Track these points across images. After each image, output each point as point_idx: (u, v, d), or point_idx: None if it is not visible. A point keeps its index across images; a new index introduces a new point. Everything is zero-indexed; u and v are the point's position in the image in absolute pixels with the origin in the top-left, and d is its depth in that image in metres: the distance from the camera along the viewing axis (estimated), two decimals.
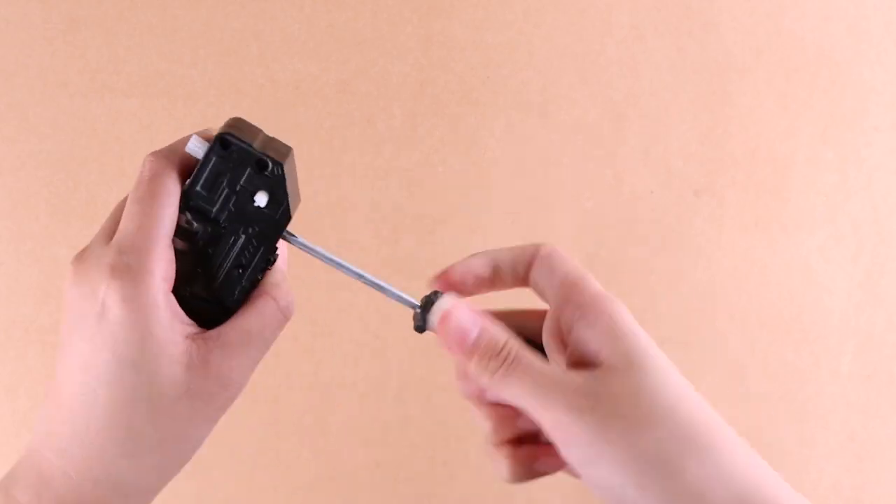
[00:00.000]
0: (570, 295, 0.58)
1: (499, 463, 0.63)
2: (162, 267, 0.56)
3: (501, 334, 0.58)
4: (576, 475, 0.59)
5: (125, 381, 0.55)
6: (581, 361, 0.57)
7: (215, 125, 1.02)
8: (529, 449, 0.63)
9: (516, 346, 0.57)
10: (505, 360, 0.56)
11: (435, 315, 0.60)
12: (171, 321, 0.56)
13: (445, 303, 0.60)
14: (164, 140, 1.10)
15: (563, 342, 0.60)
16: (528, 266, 0.62)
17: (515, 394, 0.56)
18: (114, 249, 0.56)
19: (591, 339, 0.56)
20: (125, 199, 0.60)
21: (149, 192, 0.57)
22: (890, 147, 1.26)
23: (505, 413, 0.62)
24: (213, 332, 0.58)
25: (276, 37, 1.15)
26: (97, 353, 0.55)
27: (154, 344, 0.55)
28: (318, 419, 1.22)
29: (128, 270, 0.55)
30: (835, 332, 1.30)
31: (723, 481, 0.53)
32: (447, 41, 1.17)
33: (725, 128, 1.23)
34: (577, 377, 0.55)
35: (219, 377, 0.57)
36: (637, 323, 0.57)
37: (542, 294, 0.62)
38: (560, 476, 0.63)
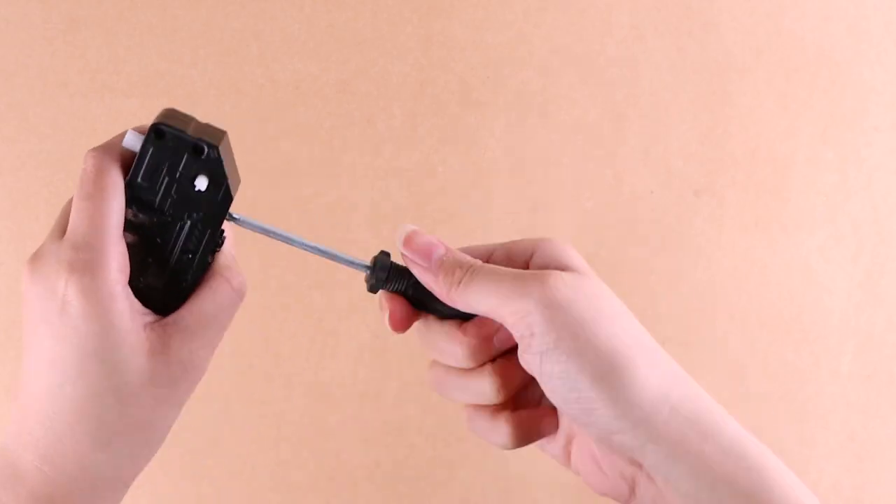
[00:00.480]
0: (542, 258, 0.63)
1: (498, 429, 0.65)
2: (117, 260, 0.58)
3: (466, 255, 0.62)
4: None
5: (90, 374, 0.56)
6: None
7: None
8: (527, 412, 0.65)
9: (479, 260, 0.61)
10: (469, 268, 0.60)
11: (400, 235, 0.63)
12: (130, 311, 0.58)
13: (409, 227, 0.63)
14: None
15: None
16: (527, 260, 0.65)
17: (480, 297, 0.59)
18: (68, 246, 0.57)
19: (545, 260, 0.62)
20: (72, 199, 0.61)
21: (95, 188, 0.58)
22: (890, 147, 1.26)
23: (480, 338, 0.64)
24: (170, 319, 0.60)
25: (275, 37, 1.14)
26: (61, 348, 0.56)
27: (116, 334, 0.56)
28: (318, 419, 1.21)
29: (85, 266, 0.56)
30: (835, 332, 1.29)
31: (670, 381, 0.59)
32: (447, 41, 1.16)
33: (725, 128, 1.22)
34: (535, 272, 0.59)
35: (180, 362, 0.59)
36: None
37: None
38: (561, 477, 0.63)
